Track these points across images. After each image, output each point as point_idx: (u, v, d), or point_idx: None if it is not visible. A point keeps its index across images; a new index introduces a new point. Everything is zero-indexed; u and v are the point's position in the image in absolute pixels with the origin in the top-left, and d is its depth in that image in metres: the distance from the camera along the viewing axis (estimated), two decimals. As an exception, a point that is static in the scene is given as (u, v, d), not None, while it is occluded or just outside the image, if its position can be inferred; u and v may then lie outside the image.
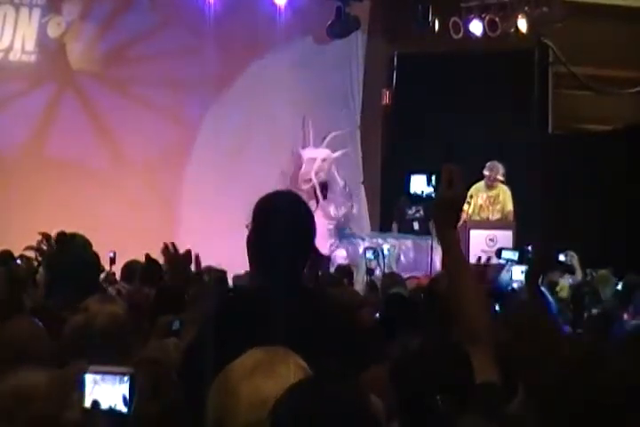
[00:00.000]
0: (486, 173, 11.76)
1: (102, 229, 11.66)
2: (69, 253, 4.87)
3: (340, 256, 12.44)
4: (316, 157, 12.75)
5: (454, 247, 2.61)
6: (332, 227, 12.69)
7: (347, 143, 13.73)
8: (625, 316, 6.28)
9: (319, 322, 3.01)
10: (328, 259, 12.27)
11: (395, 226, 13.14)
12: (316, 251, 3.19)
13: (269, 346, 2.05)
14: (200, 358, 2.71)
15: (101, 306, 3.53)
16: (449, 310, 3.20)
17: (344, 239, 12.72)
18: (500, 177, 11.71)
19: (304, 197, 12.59)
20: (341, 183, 12.93)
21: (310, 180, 12.70)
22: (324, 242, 12.43)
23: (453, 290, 2.60)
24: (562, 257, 9.20)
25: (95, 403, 2.25)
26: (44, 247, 7.78)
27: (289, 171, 13.05)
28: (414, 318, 4.15)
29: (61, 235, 5.17)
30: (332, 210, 12.76)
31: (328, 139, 12.89)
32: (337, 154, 12.85)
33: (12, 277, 5.15)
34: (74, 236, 5.09)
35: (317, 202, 12.60)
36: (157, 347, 3.14)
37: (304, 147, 13.05)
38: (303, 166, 12.83)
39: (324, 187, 12.81)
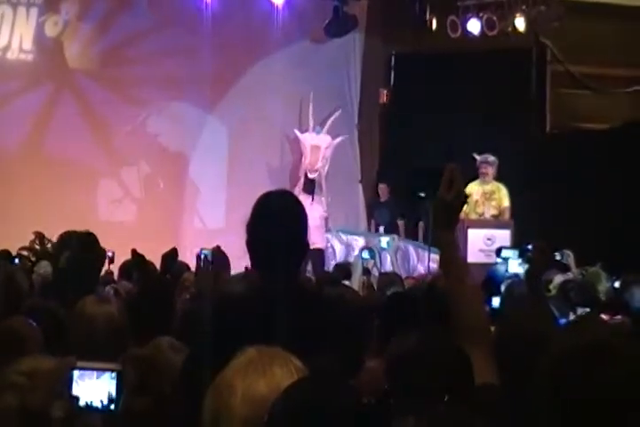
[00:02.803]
0: (477, 157, 11.82)
1: (101, 229, 11.65)
2: (75, 249, 4.87)
3: (332, 250, 12.52)
4: (320, 144, 12.84)
5: (452, 248, 2.61)
6: (326, 215, 12.77)
7: (344, 129, 13.85)
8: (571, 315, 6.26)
9: (316, 321, 3.02)
10: (322, 252, 12.35)
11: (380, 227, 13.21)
12: (308, 246, 3.21)
13: (266, 346, 2.07)
14: (200, 361, 2.72)
15: (98, 307, 3.51)
16: (448, 309, 3.18)
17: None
18: (492, 157, 11.76)
19: (300, 188, 12.77)
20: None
21: (317, 170, 12.80)
22: (320, 235, 12.52)
23: (451, 291, 2.59)
24: (557, 256, 9.20)
25: (79, 399, 2.26)
26: (37, 247, 7.79)
27: (287, 163, 13.17)
28: (414, 317, 4.14)
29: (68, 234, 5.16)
30: (323, 200, 12.86)
31: (329, 124, 13.00)
32: (337, 140, 12.95)
33: (8, 276, 5.14)
34: (86, 234, 5.10)
35: (310, 193, 12.65)
36: (151, 344, 3.13)
37: (303, 131, 13.11)
38: (308, 155, 12.90)
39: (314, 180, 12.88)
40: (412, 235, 12.97)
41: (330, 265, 11.94)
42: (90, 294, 3.87)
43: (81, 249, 5.00)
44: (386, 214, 13.12)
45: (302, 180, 12.95)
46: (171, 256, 6.54)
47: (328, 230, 12.81)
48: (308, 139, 13.03)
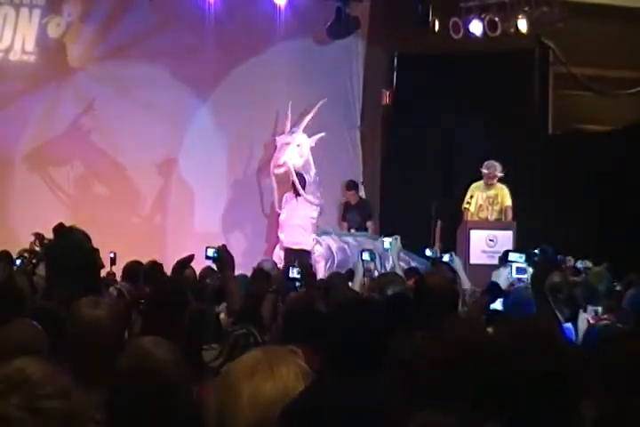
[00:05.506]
0: (485, 171, 11.77)
1: (102, 230, 11.65)
2: (69, 244, 4.85)
3: (319, 253, 12.51)
4: (290, 142, 12.78)
5: None
6: (314, 221, 12.76)
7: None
8: (590, 319, 6.26)
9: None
10: (308, 253, 12.34)
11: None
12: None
13: (272, 347, 2.06)
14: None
15: (98, 309, 3.47)
16: (441, 306, 3.18)
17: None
18: (499, 173, 11.73)
19: (277, 182, 12.79)
20: (314, 171, 12.97)
21: (282, 165, 12.68)
22: (307, 235, 12.51)
23: None
24: (579, 264, 9.24)
25: None
26: (37, 248, 7.77)
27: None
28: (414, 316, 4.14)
29: (60, 227, 5.13)
30: (311, 198, 12.82)
31: (304, 122, 12.92)
32: (314, 138, 12.87)
33: (10, 278, 5.14)
34: (72, 228, 5.06)
35: (296, 192, 12.64)
36: (135, 348, 3.00)
37: (280, 134, 13.09)
38: (276, 152, 12.87)
39: (302, 178, 12.80)
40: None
41: (320, 268, 11.95)
42: (94, 291, 3.86)
43: (79, 242, 4.98)
44: (357, 217, 13.34)
45: (277, 171, 12.86)
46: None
47: (317, 231, 12.79)
48: (279, 139, 13.00)
